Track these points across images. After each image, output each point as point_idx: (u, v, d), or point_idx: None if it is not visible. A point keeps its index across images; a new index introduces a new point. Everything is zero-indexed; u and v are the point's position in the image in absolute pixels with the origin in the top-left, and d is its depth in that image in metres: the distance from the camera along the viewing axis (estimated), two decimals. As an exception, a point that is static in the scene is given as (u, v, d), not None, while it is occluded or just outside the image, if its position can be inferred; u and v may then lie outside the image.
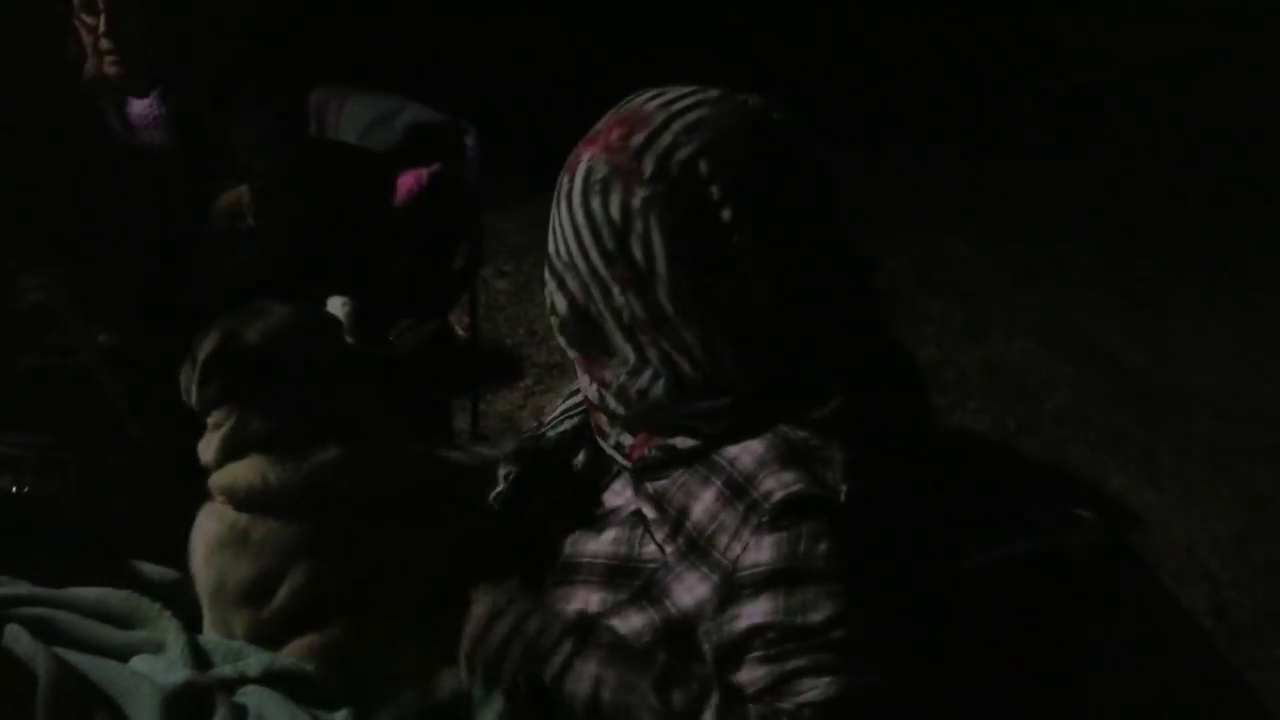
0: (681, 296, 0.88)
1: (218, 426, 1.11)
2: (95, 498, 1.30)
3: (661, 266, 0.87)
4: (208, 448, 1.12)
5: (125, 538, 1.23)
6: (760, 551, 0.87)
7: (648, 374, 0.92)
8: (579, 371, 0.99)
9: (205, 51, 1.77)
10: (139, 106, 1.78)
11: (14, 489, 1.25)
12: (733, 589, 0.88)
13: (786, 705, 0.87)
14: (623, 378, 0.93)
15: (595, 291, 0.92)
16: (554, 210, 0.94)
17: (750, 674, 0.88)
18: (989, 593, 1.04)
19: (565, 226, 0.92)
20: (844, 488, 0.86)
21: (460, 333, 2.37)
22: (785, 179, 0.90)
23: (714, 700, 0.88)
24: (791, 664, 0.87)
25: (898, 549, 0.90)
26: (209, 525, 1.11)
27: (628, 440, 0.96)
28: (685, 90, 0.91)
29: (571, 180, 0.92)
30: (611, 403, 0.95)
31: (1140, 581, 1.13)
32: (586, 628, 0.93)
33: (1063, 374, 2.98)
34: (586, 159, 0.91)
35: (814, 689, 0.86)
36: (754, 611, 0.87)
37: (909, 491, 0.92)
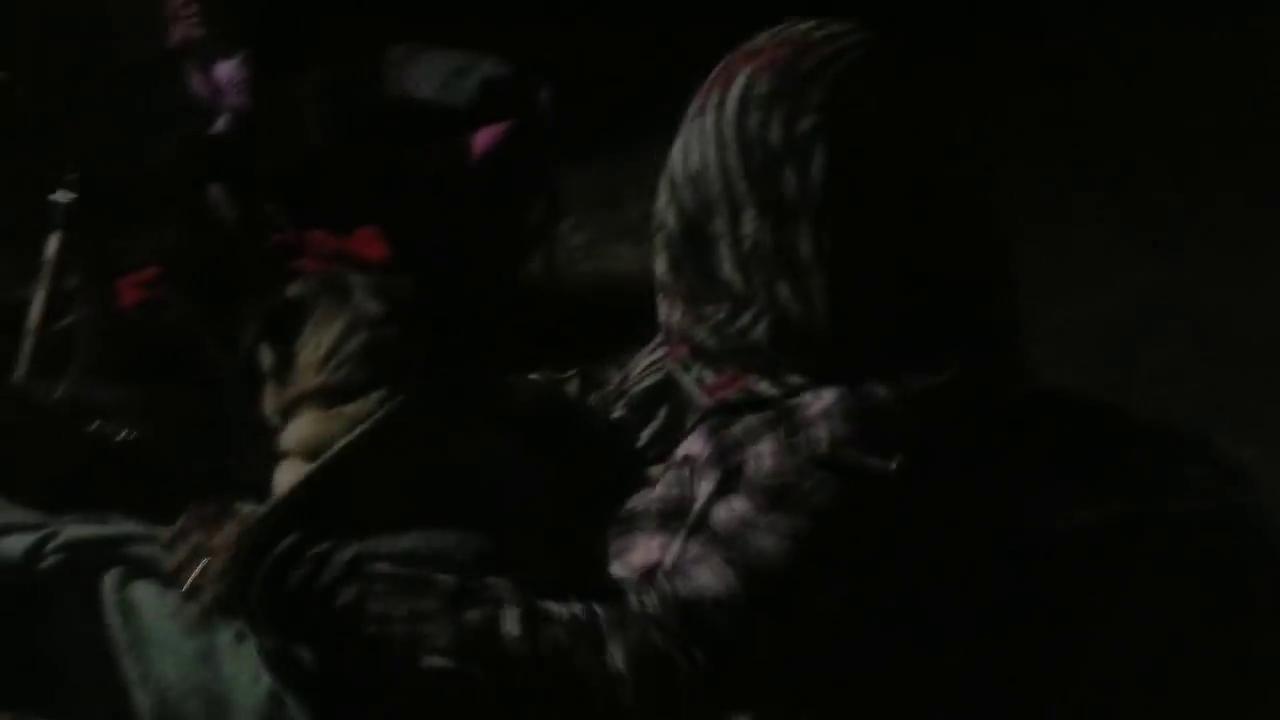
0: (823, 236, 0.83)
1: (270, 377, 1.16)
2: (191, 444, 1.36)
3: (813, 200, 0.83)
4: (267, 403, 1.17)
5: (219, 482, 1.29)
6: (767, 463, 0.84)
7: (750, 312, 0.87)
8: (665, 299, 0.95)
9: (281, 13, 1.81)
10: (224, 70, 1.83)
11: (118, 436, 1.32)
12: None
13: (648, 596, 0.84)
14: (722, 313, 0.89)
15: (722, 211, 0.87)
16: (693, 121, 0.89)
17: (656, 549, 0.87)
18: (1078, 558, 0.96)
19: (708, 139, 0.87)
20: (899, 459, 0.81)
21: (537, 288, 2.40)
22: (948, 139, 0.87)
23: (514, 611, 0.85)
24: (699, 550, 0.84)
25: (942, 537, 0.85)
26: (288, 479, 1.16)
27: (710, 377, 0.92)
28: (847, 26, 0.87)
29: (724, 93, 0.86)
30: (701, 335, 0.91)
31: (1255, 547, 1.02)
32: (359, 565, 0.89)
33: (1162, 329, 2.89)
34: (746, 73, 0.86)
35: (696, 584, 0.82)
36: (719, 504, 0.85)
37: (981, 465, 0.87)
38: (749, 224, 0.86)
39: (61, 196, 1.45)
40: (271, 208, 1.82)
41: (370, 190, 1.77)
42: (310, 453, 1.14)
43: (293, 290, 1.19)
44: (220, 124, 1.91)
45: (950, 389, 0.84)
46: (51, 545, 1.05)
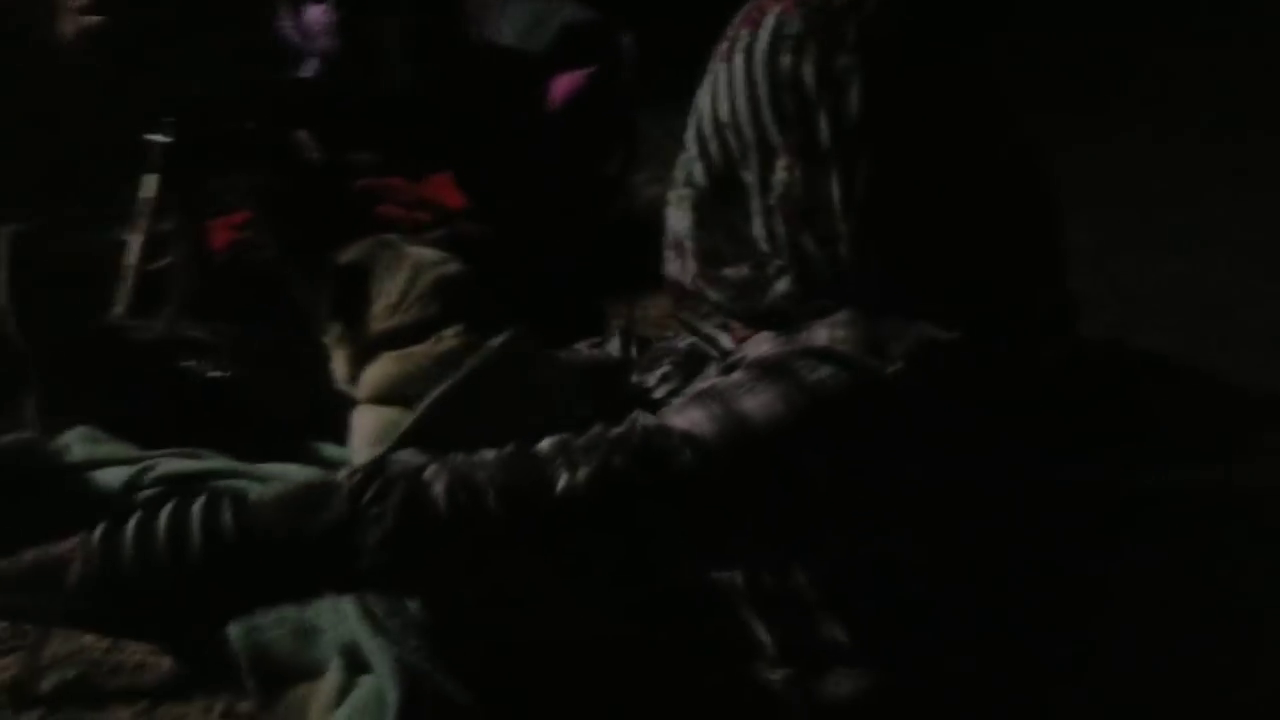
0: (855, 180, 0.82)
1: (338, 345, 1.21)
2: (281, 382, 1.41)
3: (846, 142, 0.81)
4: (338, 368, 1.22)
5: (306, 420, 1.34)
6: (765, 350, 0.83)
7: (772, 268, 0.87)
8: (678, 258, 0.94)
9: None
10: (314, 13, 1.85)
11: (212, 373, 1.38)
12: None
13: (616, 426, 0.81)
14: (745, 271, 0.88)
15: (754, 159, 0.85)
16: (721, 66, 0.87)
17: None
18: (1083, 521, 0.94)
19: (738, 83, 0.85)
20: (900, 365, 0.79)
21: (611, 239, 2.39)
22: (984, 83, 0.85)
23: (433, 469, 0.80)
24: (682, 403, 0.82)
25: (929, 463, 0.81)
26: (365, 422, 1.20)
27: (724, 336, 0.93)
28: None
29: (754, 34, 0.85)
30: (716, 295, 0.90)
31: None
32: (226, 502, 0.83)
33: (1259, 289, 2.77)
34: (776, 13, 0.85)
35: (669, 419, 0.80)
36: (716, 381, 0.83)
37: (987, 411, 0.83)
38: (779, 171, 0.84)
39: (158, 138, 1.50)
40: (356, 153, 1.85)
41: (449, 137, 1.79)
42: (386, 396, 1.18)
43: (348, 255, 1.23)
44: (308, 68, 1.94)
45: (969, 338, 0.81)
46: (148, 478, 1.11)
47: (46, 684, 1.07)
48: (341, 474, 0.83)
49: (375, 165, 1.82)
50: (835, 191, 0.82)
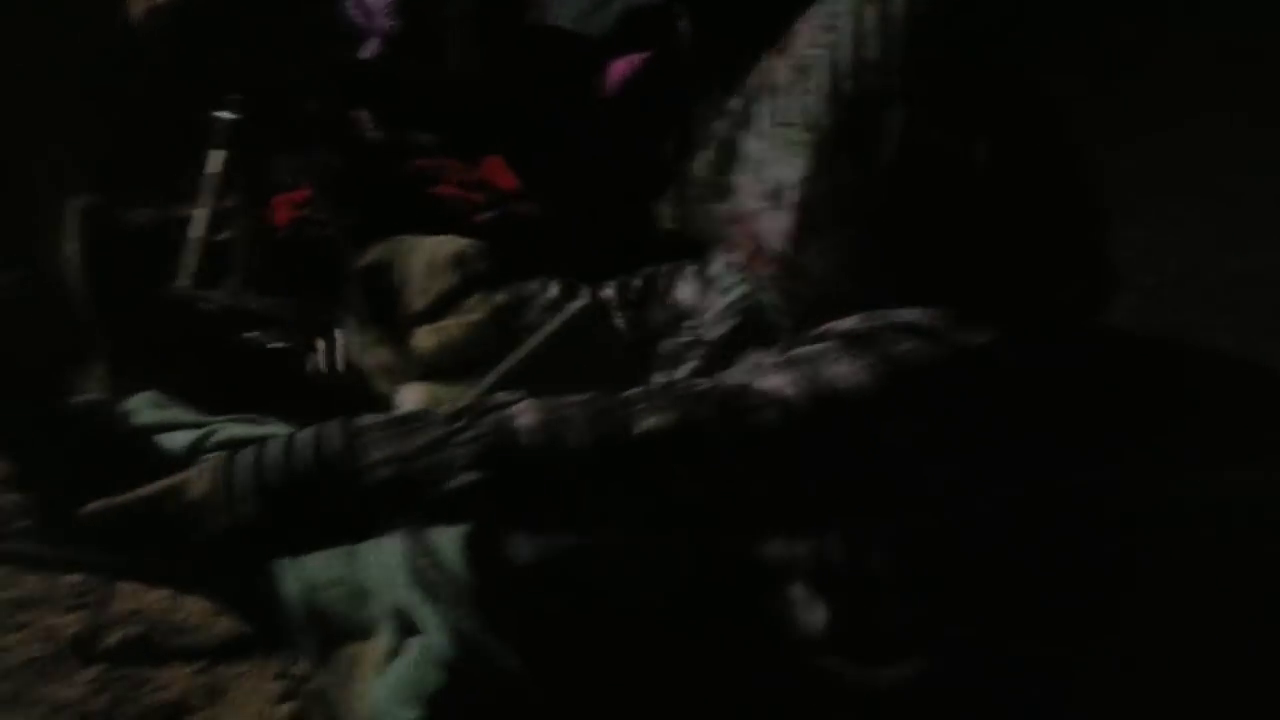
0: (990, 143, 0.82)
1: (376, 345, 1.24)
2: (334, 354, 1.44)
3: (983, 101, 0.83)
4: (381, 366, 1.25)
5: (361, 390, 1.36)
6: (849, 323, 0.83)
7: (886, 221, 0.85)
8: (774, 207, 0.90)
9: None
10: (377, -6, 1.88)
11: (271, 344, 1.41)
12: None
13: (699, 380, 0.82)
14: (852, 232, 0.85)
15: (894, 105, 0.83)
16: (872, 7, 0.85)
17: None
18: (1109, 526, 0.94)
19: (894, 27, 0.84)
20: (989, 337, 0.79)
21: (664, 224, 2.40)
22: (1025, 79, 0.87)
23: (524, 405, 0.82)
24: (770, 368, 0.82)
25: (1008, 440, 0.81)
26: (410, 398, 1.24)
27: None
28: None
29: None
30: (813, 249, 0.87)
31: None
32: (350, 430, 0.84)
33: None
34: None
35: (754, 381, 0.81)
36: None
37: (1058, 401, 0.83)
38: (912, 122, 0.83)
39: (224, 116, 1.53)
40: (414, 133, 1.87)
41: (504, 119, 1.80)
42: (426, 370, 1.22)
43: (367, 258, 1.27)
44: (369, 47, 1.97)
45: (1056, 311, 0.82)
46: (211, 442, 1.15)
47: (110, 640, 1.11)
48: (433, 412, 0.86)
49: (433, 145, 1.85)
50: (978, 154, 0.82)
